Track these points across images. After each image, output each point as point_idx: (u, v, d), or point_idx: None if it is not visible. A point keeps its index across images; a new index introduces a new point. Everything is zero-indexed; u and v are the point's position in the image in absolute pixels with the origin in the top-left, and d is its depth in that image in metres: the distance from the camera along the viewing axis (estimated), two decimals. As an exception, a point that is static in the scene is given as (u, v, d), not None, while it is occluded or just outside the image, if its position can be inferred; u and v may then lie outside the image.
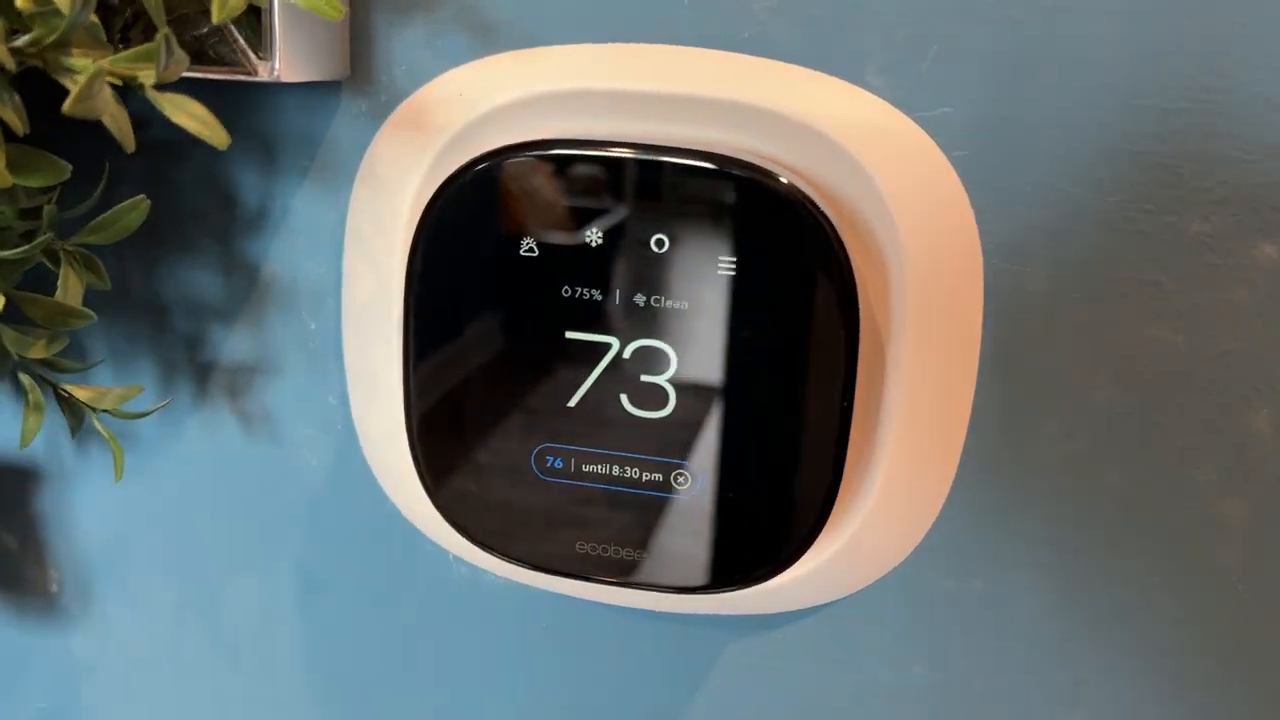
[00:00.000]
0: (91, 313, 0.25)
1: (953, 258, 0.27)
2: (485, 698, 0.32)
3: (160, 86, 0.20)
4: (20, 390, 0.27)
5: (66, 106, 0.19)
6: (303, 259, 0.30)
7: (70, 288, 0.25)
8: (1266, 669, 0.28)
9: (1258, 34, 0.24)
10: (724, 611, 0.30)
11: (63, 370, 0.27)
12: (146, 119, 0.29)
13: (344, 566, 0.32)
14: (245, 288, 0.30)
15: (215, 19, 0.20)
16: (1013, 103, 0.26)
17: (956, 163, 0.26)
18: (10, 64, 0.20)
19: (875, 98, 0.26)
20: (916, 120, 0.26)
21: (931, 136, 0.26)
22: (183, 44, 0.23)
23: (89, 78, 0.19)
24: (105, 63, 0.20)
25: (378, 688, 0.33)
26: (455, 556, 0.31)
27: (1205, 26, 0.24)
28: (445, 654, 0.32)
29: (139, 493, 0.33)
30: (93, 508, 0.34)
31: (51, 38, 0.20)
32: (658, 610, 0.30)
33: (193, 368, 0.31)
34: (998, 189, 0.26)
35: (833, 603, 0.30)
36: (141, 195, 0.26)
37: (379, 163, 0.28)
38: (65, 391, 0.27)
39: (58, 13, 0.20)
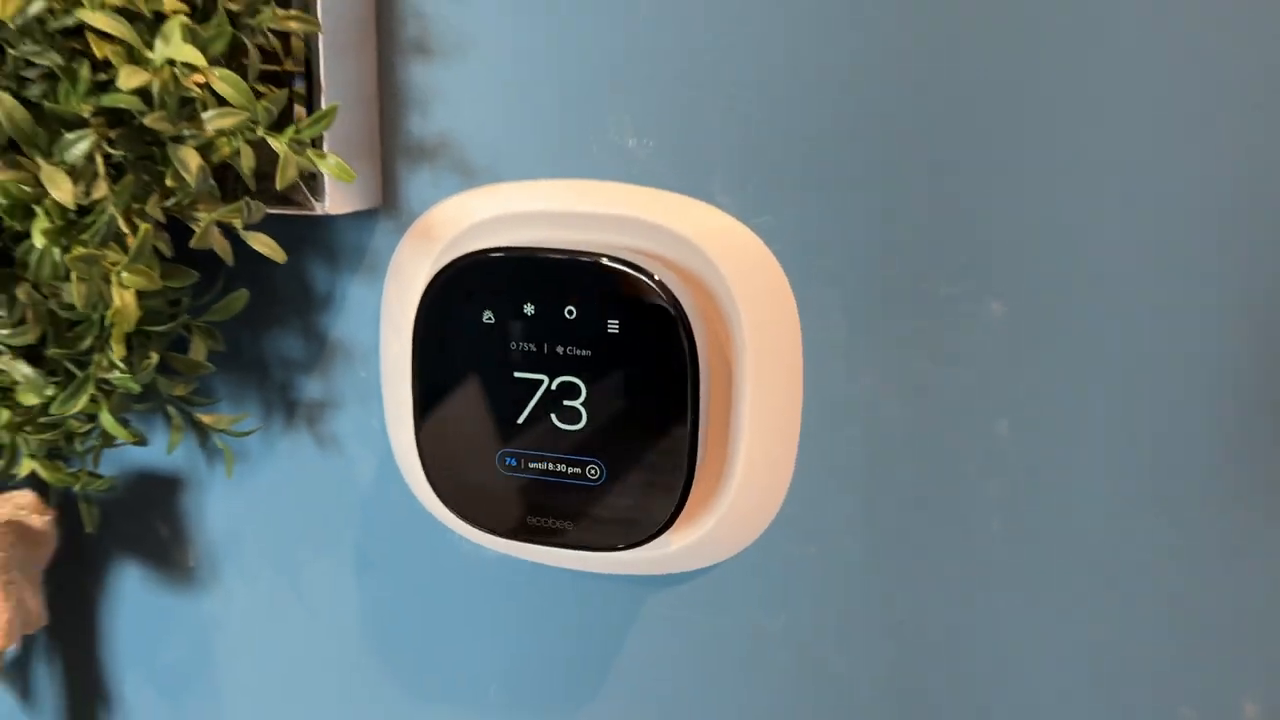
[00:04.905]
0: (211, 365, 0.39)
1: (777, 317, 0.38)
2: (479, 638, 0.45)
3: (246, 226, 0.34)
4: (167, 417, 0.41)
5: (193, 243, 0.33)
6: (355, 329, 0.44)
7: (198, 349, 0.39)
8: (1017, 620, 0.38)
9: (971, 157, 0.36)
10: (639, 572, 0.42)
11: (194, 404, 0.41)
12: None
13: (385, 546, 0.45)
14: (318, 349, 0.44)
15: (279, 186, 0.34)
16: (810, 210, 0.38)
17: (777, 253, 0.38)
18: (160, 217, 0.34)
19: (720, 211, 0.39)
20: (749, 225, 0.38)
21: (759, 236, 0.38)
22: (272, 193, 0.37)
23: (205, 225, 0.33)
24: (214, 215, 0.34)
25: (406, 633, 0.46)
26: (460, 536, 0.44)
27: (938, 154, 0.36)
28: (453, 608, 0.45)
29: (248, 495, 0.47)
30: (218, 505, 0.48)
31: (186, 200, 0.34)
32: (595, 572, 0.42)
33: (283, 404, 0.45)
34: (806, 269, 0.38)
35: (715, 566, 0.41)
36: (243, 289, 0.40)
37: (402, 262, 0.42)
38: (197, 418, 0.41)
39: (187, 185, 0.34)
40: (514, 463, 0.39)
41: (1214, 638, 0.37)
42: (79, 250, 0.32)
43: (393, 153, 0.41)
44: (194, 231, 0.34)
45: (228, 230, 0.35)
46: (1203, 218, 0.34)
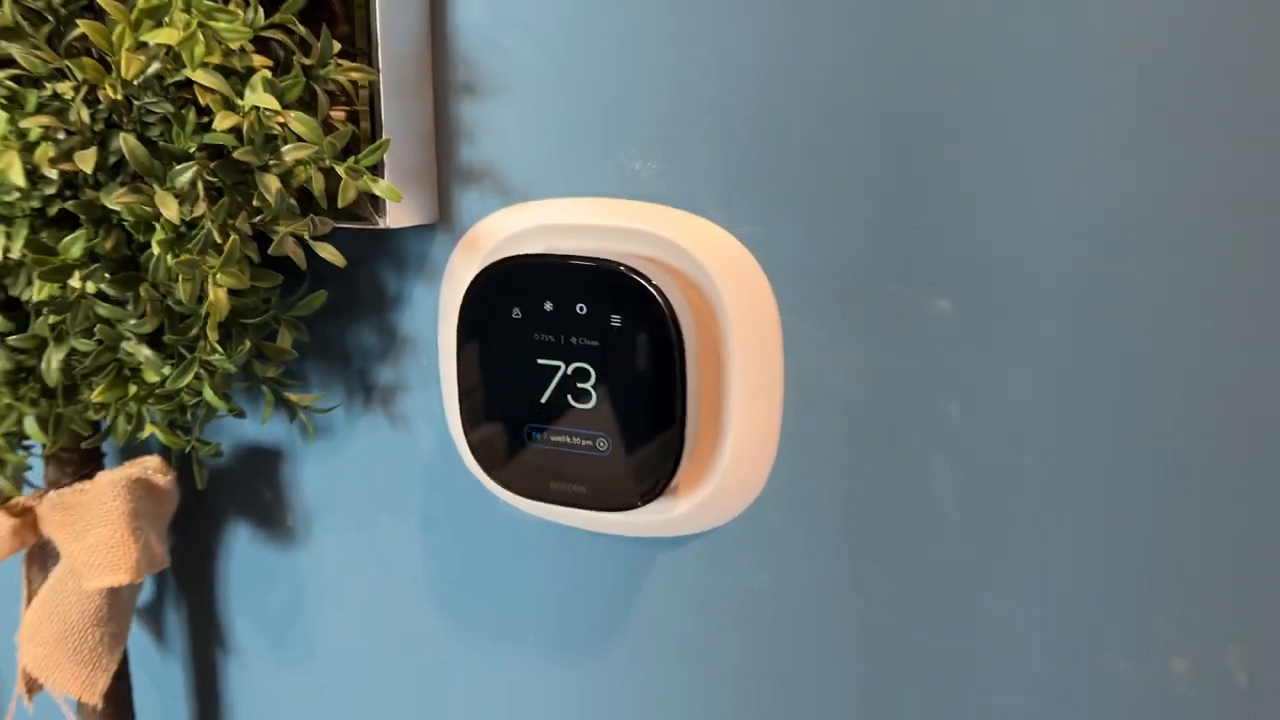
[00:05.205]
0: (295, 352, 0.48)
1: (760, 314, 0.45)
2: (519, 590, 0.52)
3: (314, 237, 0.43)
4: (262, 395, 0.50)
5: (271, 250, 0.41)
6: (419, 324, 0.52)
7: (285, 338, 0.47)
8: (969, 578, 0.44)
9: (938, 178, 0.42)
10: (649, 535, 0.48)
11: (285, 385, 0.50)
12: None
13: (442, 509, 0.53)
14: (389, 340, 0.53)
15: (340, 205, 0.42)
16: (788, 223, 0.44)
17: (760, 259, 0.45)
18: (248, 230, 0.42)
19: (712, 223, 0.45)
20: (737, 235, 0.45)
21: (744, 244, 0.45)
22: (344, 211, 0.45)
23: (280, 237, 0.42)
24: (288, 228, 0.42)
25: (459, 584, 0.54)
26: (502, 501, 0.52)
27: (909, 185, 0.42)
28: (497, 563, 0.53)
29: (335, 465, 0.56)
30: (311, 474, 0.56)
31: (269, 216, 0.42)
32: (614, 534, 0.49)
33: (362, 388, 0.54)
34: (786, 273, 0.44)
35: (712, 530, 0.48)
36: (322, 290, 0.48)
37: (454, 268, 0.50)
38: (285, 396, 0.50)
39: (270, 205, 0.42)
40: (538, 436, 0.47)
41: (1146, 597, 0.42)
42: (184, 256, 0.41)
43: (447, 177, 0.49)
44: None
45: (302, 240, 0.43)
46: (1120, 228, 0.39)
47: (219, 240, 0.42)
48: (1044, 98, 0.39)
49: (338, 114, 0.47)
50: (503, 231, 0.48)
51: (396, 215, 0.47)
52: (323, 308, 0.49)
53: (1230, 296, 0.38)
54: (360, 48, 0.46)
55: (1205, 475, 0.40)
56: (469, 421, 0.48)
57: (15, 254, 0.43)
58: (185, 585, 0.62)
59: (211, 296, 0.42)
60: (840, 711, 0.47)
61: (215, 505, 0.59)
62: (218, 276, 0.42)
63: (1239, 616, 0.40)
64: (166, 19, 0.39)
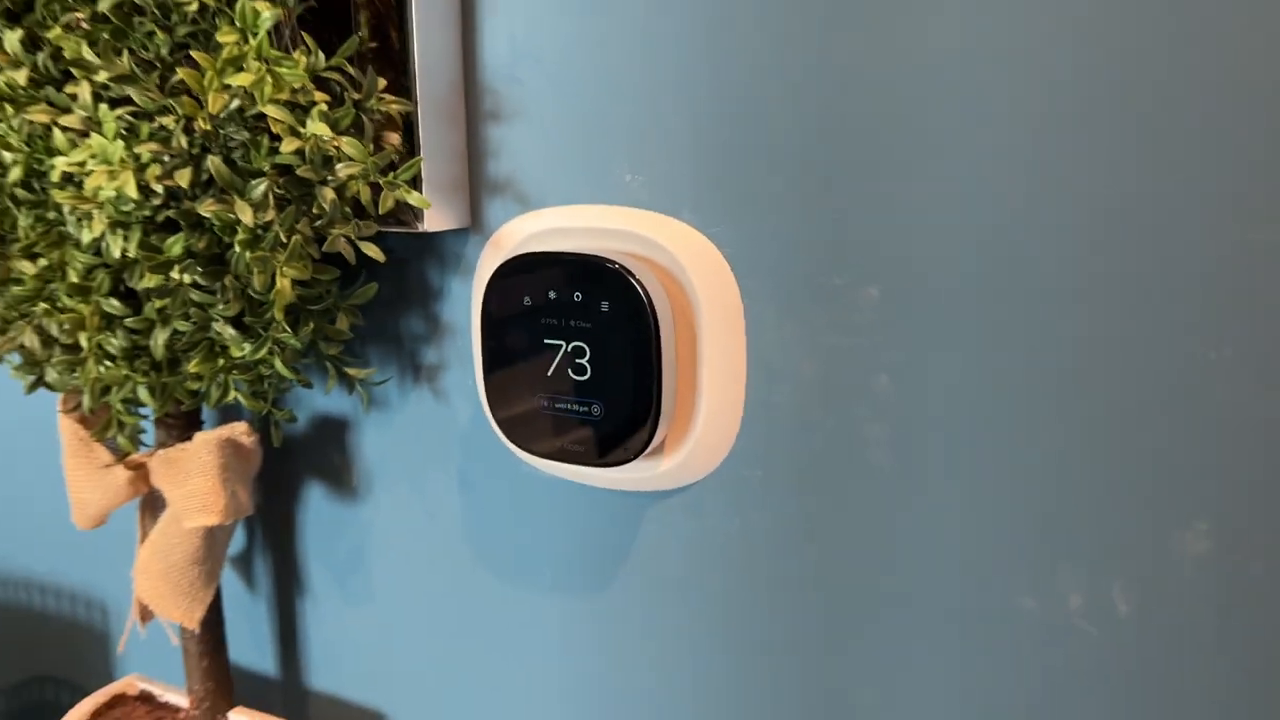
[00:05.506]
0: (351, 334, 0.58)
1: (726, 301, 0.53)
2: (537, 535, 0.62)
3: (359, 238, 0.53)
4: (325, 370, 0.60)
5: (324, 247, 0.52)
6: (456, 313, 0.62)
7: (342, 322, 0.58)
8: (900, 526, 0.51)
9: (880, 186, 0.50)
10: (641, 489, 0.57)
11: (345, 362, 0.61)
12: (388, 249, 0.62)
13: (477, 469, 0.63)
14: (432, 327, 0.63)
15: (381, 210, 0.52)
16: (748, 224, 0.52)
17: (726, 255, 0.53)
18: (309, 232, 0.53)
19: (687, 225, 0.54)
20: (707, 235, 0.54)
21: (713, 242, 0.53)
22: (389, 216, 0.56)
23: (332, 238, 0.52)
24: (338, 231, 0.52)
25: (488, 530, 0.63)
26: (524, 462, 0.61)
27: (851, 198, 0.50)
28: (520, 513, 0.62)
29: (390, 432, 0.66)
30: (372, 440, 0.67)
31: (326, 221, 0.53)
32: (611, 489, 0.58)
33: (411, 366, 0.64)
34: (747, 267, 0.53)
35: (691, 484, 0.56)
36: (373, 282, 0.58)
37: (482, 265, 0.60)
38: (345, 371, 0.60)
39: (325, 212, 0.53)
40: (546, 404, 0.56)
41: (1047, 544, 0.49)
42: (258, 253, 0.52)
43: (478, 189, 0.59)
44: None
45: (351, 240, 0.54)
46: (1016, 228, 0.47)
47: (285, 240, 0.52)
48: (952, 119, 0.47)
49: (395, 137, 0.57)
50: (520, 233, 0.58)
51: (433, 220, 0.57)
52: (377, 298, 0.59)
53: (1117, 284, 0.46)
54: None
55: (1094, 440, 0.47)
56: (492, 393, 0.57)
57: (131, 253, 0.54)
58: (268, 535, 0.73)
59: (278, 285, 0.52)
60: (799, 631, 0.55)
61: (294, 467, 0.70)
62: (284, 269, 0.52)
63: (1122, 558, 0.47)
64: (244, 66, 0.50)
